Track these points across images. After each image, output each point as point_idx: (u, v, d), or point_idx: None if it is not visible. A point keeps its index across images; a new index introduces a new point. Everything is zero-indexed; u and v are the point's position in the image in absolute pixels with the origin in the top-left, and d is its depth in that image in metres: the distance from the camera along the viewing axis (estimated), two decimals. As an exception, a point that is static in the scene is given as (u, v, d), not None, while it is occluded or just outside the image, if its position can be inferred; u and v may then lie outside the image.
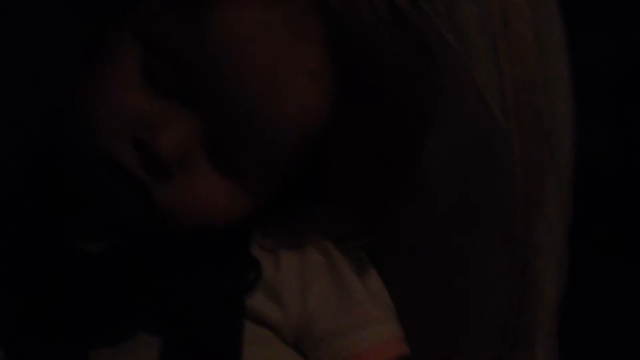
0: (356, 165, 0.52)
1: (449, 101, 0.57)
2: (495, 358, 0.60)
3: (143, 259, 0.50)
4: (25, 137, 0.55)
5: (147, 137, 0.46)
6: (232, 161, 0.49)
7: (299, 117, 0.50)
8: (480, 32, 0.58)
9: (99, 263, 0.49)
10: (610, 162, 1.44)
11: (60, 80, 0.51)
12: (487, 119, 0.57)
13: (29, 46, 0.56)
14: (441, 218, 0.57)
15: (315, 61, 0.50)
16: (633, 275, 1.36)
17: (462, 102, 0.57)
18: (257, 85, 0.48)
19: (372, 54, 0.50)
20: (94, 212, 0.50)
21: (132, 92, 0.48)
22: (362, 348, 0.51)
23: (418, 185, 0.56)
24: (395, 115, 0.53)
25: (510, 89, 0.58)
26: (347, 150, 0.52)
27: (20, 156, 0.55)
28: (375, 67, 0.51)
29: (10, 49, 0.56)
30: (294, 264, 0.52)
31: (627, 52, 1.44)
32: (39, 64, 0.55)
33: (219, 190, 0.49)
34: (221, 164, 0.49)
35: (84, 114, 0.48)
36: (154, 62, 0.48)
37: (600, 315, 1.23)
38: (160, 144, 0.46)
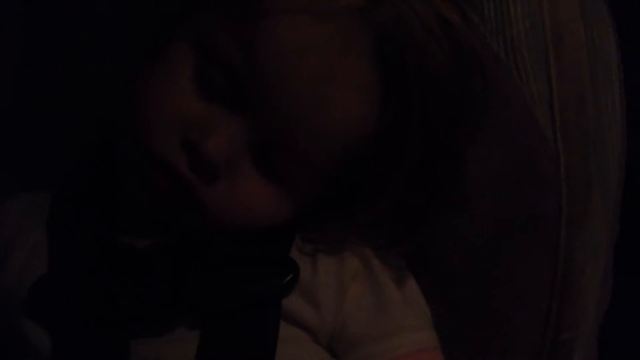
0: (398, 175, 0.52)
1: (497, 116, 0.56)
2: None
3: (186, 255, 0.51)
4: (80, 137, 0.58)
5: (196, 139, 0.48)
6: (277, 167, 0.50)
7: (344, 127, 0.50)
8: (532, 48, 0.57)
9: (144, 258, 0.51)
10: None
11: (116, 82, 0.53)
12: (535, 135, 0.56)
13: (88, 49, 0.58)
14: (483, 231, 0.57)
15: (363, 73, 0.50)
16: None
17: (510, 117, 0.57)
18: (305, 95, 0.49)
19: (420, 69, 0.51)
20: (141, 210, 0.52)
21: (183, 95, 0.49)
22: (397, 354, 0.51)
23: (461, 198, 0.56)
24: (441, 128, 0.53)
25: (559, 105, 0.57)
26: (390, 160, 0.52)
27: (76, 155, 0.57)
28: (423, 81, 0.51)
29: (71, 50, 0.59)
30: (332, 268, 0.52)
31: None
32: (96, 67, 0.57)
33: (263, 195, 0.50)
34: (266, 169, 0.50)
35: (137, 115, 0.50)
36: (206, 69, 0.49)
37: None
38: (209, 146, 0.47)
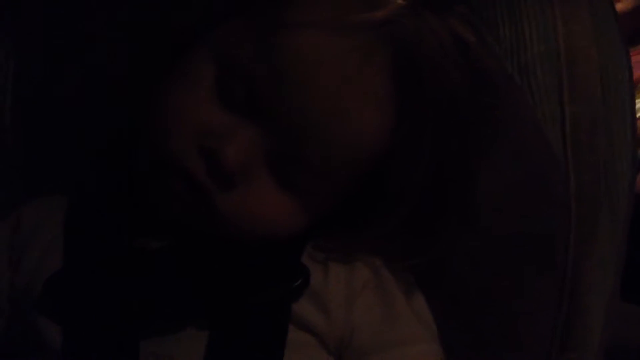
0: (411, 188, 0.52)
1: (509, 135, 0.56)
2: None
3: (199, 258, 0.50)
4: (97, 141, 0.58)
5: (214, 146, 0.47)
6: (293, 177, 0.50)
7: (360, 139, 0.50)
8: (545, 71, 0.57)
9: (157, 258, 0.51)
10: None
11: (137, 89, 0.53)
12: (546, 155, 0.56)
13: (112, 55, 0.58)
14: (492, 248, 0.56)
15: (380, 87, 0.50)
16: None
17: (522, 137, 0.56)
18: (323, 107, 0.48)
19: (436, 85, 0.50)
20: (158, 214, 0.51)
21: (203, 104, 0.49)
22: None
23: (472, 214, 0.56)
24: (454, 144, 0.52)
25: (570, 127, 0.56)
26: (403, 173, 0.52)
27: (92, 159, 0.57)
28: (438, 97, 0.51)
29: (94, 57, 0.59)
30: (342, 276, 0.52)
31: None
32: (119, 72, 0.57)
33: (278, 204, 0.50)
34: (283, 179, 0.50)
35: (157, 121, 0.50)
36: (226, 80, 0.49)
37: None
38: (226, 154, 0.47)
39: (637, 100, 1.59)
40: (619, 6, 1.64)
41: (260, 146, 0.49)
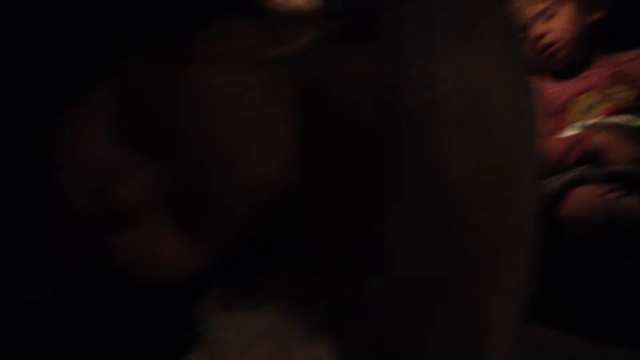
0: (318, 228, 0.50)
1: (416, 174, 0.55)
2: None
3: (86, 307, 0.48)
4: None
5: (105, 186, 0.45)
6: (190, 218, 0.47)
7: (262, 180, 0.48)
8: (453, 110, 0.56)
9: (41, 310, 0.47)
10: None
11: (32, 124, 0.49)
12: (450, 194, 0.56)
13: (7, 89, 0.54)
14: (398, 289, 0.55)
15: (285, 125, 0.48)
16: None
17: (428, 176, 0.56)
18: (224, 145, 0.46)
19: (344, 124, 0.49)
20: (41, 256, 0.48)
21: (98, 140, 0.46)
22: None
23: (379, 255, 0.55)
24: (360, 184, 0.51)
25: (475, 165, 0.56)
26: (308, 214, 0.50)
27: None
28: (346, 137, 0.49)
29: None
30: (241, 324, 0.50)
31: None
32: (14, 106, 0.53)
33: (173, 247, 0.47)
34: (179, 220, 0.47)
35: (47, 157, 0.47)
36: (125, 114, 0.46)
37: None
38: (118, 194, 0.44)
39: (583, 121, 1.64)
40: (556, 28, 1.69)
41: (156, 186, 0.46)
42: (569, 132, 1.61)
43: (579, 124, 1.60)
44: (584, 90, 1.66)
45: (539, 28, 1.64)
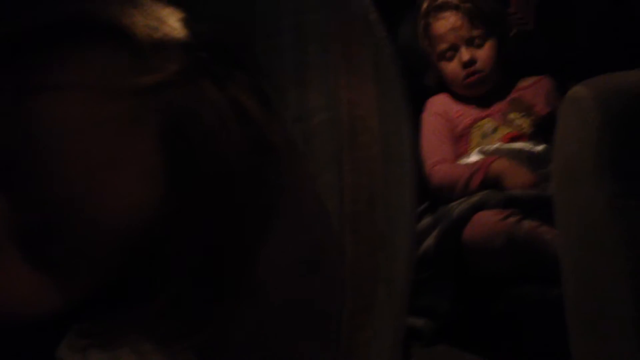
0: (182, 263, 0.49)
1: (289, 206, 0.54)
2: None
3: None
4: None
5: None
6: (46, 253, 0.45)
7: (123, 212, 0.46)
8: (328, 140, 0.56)
9: None
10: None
11: None
12: (325, 226, 0.55)
13: None
14: (272, 320, 0.54)
15: (146, 157, 0.46)
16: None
17: (302, 207, 0.55)
18: (81, 176, 0.44)
19: (210, 157, 0.47)
20: None
21: None
22: None
23: (252, 287, 0.53)
24: (230, 216, 0.50)
25: (349, 198, 0.55)
26: (174, 247, 0.48)
27: None
28: (212, 169, 0.48)
29: None
30: None
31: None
32: None
33: (27, 282, 0.44)
34: (34, 254, 0.45)
35: None
36: None
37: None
38: None
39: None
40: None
41: (7, 217, 0.44)
42: (472, 157, 1.64)
43: (482, 148, 1.64)
44: (486, 115, 1.71)
45: (468, 53, 1.69)
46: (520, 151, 1.59)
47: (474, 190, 1.55)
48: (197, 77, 0.49)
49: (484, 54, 1.73)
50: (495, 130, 1.66)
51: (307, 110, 0.56)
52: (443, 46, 1.73)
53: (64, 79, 0.45)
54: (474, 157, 1.64)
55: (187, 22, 0.53)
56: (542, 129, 1.66)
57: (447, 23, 1.74)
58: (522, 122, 1.65)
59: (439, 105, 1.76)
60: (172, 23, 0.51)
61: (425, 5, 1.80)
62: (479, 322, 1.49)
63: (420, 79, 1.87)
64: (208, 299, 0.51)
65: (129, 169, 0.45)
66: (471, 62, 1.69)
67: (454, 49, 1.72)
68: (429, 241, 1.47)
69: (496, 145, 1.61)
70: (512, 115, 1.67)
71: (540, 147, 1.61)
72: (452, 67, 1.72)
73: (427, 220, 1.53)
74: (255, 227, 0.52)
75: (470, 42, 1.72)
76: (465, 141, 1.69)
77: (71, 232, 0.44)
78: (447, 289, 1.46)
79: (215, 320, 0.52)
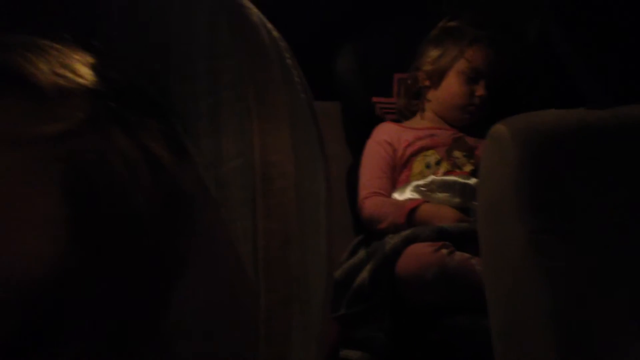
0: (89, 318, 0.47)
1: (202, 253, 0.53)
2: None
3: None
4: None
5: None
6: None
7: (21, 266, 0.45)
8: (241, 186, 0.55)
9: None
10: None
11: None
12: (238, 273, 0.54)
13: None
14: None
15: (48, 208, 0.45)
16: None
17: (215, 254, 0.54)
18: None
19: (117, 208, 0.46)
20: None
21: None
22: None
23: (162, 338, 0.52)
24: (141, 264, 0.48)
25: (263, 244, 0.55)
26: (79, 302, 0.47)
27: None
28: (119, 221, 0.47)
29: None
30: None
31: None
32: None
33: None
34: None
35: None
36: None
37: None
38: None
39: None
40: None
41: None
42: (407, 192, 1.66)
43: (417, 185, 1.65)
44: (432, 146, 1.73)
45: (484, 89, 1.74)
46: (454, 183, 1.62)
47: (403, 225, 1.57)
48: (105, 124, 0.48)
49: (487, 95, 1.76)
50: (438, 163, 1.69)
51: (220, 156, 0.55)
52: (468, 66, 1.75)
53: None
54: (408, 193, 1.65)
55: (97, 68, 0.52)
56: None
57: (487, 53, 1.77)
58: (464, 162, 1.68)
59: (385, 133, 1.77)
60: (81, 69, 0.51)
61: (460, 25, 1.82)
62: (414, 353, 1.50)
63: (355, 110, 1.88)
64: (117, 354, 0.49)
65: (29, 220, 0.44)
66: (484, 98, 1.73)
67: (474, 77, 1.75)
68: (364, 274, 1.47)
69: (430, 178, 1.64)
70: (456, 153, 1.70)
71: (473, 180, 1.64)
72: (462, 90, 1.75)
73: (361, 254, 1.53)
74: (165, 276, 0.51)
75: (488, 81, 1.75)
76: (409, 168, 1.71)
77: None
78: (383, 321, 1.47)
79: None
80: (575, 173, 0.96)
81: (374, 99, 1.85)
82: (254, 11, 0.60)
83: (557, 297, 0.91)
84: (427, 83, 1.79)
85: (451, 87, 1.76)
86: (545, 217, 0.91)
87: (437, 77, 1.78)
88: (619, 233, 1.03)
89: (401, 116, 1.84)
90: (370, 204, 1.62)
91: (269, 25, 0.61)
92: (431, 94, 1.79)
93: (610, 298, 1.03)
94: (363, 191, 1.66)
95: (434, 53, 1.78)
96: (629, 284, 1.03)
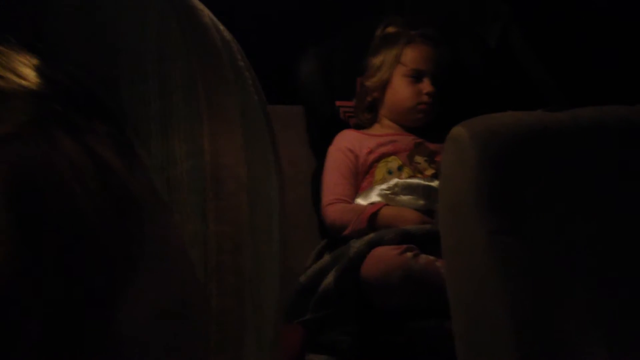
0: (35, 325, 0.46)
1: (152, 256, 0.52)
2: None
3: None
4: None
5: None
6: None
7: None
8: (192, 189, 0.54)
9: None
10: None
11: None
12: (188, 277, 0.53)
13: None
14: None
15: None
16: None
17: (165, 258, 0.53)
18: None
19: (62, 213, 0.45)
20: None
21: None
22: None
23: (110, 346, 0.51)
24: (88, 273, 0.47)
25: (214, 247, 0.54)
26: (24, 308, 0.45)
27: None
28: (65, 225, 0.45)
29: None
30: None
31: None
32: None
33: None
34: None
35: None
36: None
37: None
38: None
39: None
40: None
41: None
42: (373, 196, 1.66)
43: (381, 190, 1.66)
44: (393, 152, 1.74)
45: (430, 86, 1.78)
46: (417, 185, 1.62)
47: (367, 229, 1.57)
48: (49, 127, 0.47)
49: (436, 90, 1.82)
50: (400, 168, 1.70)
51: (171, 159, 0.54)
52: (408, 67, 1.80)
53: None
54: (373, 197, 1.66)
55: (42, 70, 0.51)
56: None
57: (423, 50, 1.82)
58: (426, 166, 1.70)
59: (347, 141, 1.79)
60: (24, 71, 0.49)
61: (395, 29, 1.86)
62: (380, 356, 1.49)
63: (319, 114, 1.88)
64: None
65: None
66: (433, 94, 1.77)
67: (417, 76, 1.79)
68: (329, 279, 1.47)
69: (394, 181, 1.64)
70: (417, 159, 1.71)
71: (436, 182, 1.65)
72: (409, 92, 1.79)
73: (326, 259, 1.53)
74: (115, 281, 0.50)
75: (432, 76, 1.80)
76: (372, 175, 1.72)
77: None
78: (349, 324, 1.46)
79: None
80: (533, 174, 0.96)
81: (338, 103, 1.85)
82: (206, 12, 0.60)
83: (516, 298, 0.92)
84: (375, 95, 1.83)
85: (398, 93, 1.79)
86: (505, 217, 0.91)
87: (382, 86, 1.82)
88: (577, 234, 1.04)
89: (361, 126, 1.87)
90: (332, 211, 1.63)
91: (221, 27, 0.61)
92: (382, 104, 1.83)
93: (569, 298, 1.04)
94: (325, 198, 1.67)
95: (374, 64, 1.83)
96: (586, 284, 1.04)
